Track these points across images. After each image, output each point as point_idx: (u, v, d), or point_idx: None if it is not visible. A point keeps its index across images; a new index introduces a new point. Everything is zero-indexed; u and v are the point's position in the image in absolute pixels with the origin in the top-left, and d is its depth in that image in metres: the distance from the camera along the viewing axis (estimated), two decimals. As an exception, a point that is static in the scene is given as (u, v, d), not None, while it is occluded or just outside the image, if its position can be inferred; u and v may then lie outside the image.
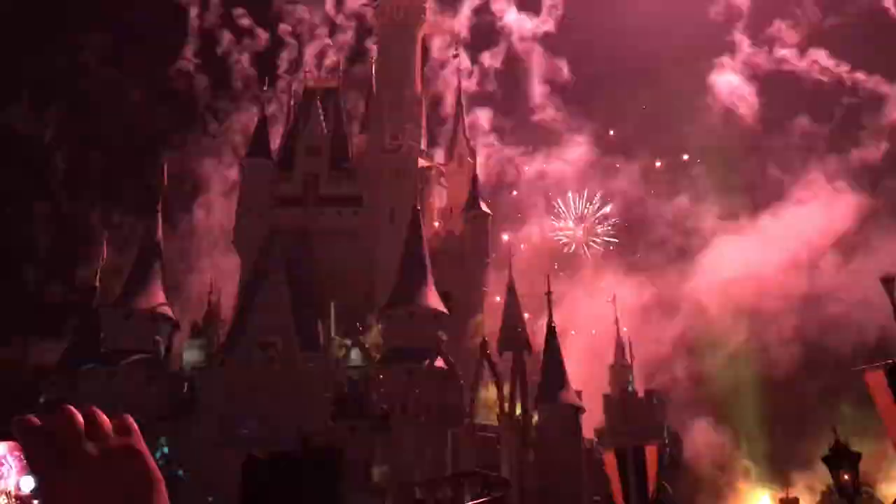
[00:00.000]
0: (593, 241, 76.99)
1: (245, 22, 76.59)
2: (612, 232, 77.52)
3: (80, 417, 1.08)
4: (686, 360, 69.50)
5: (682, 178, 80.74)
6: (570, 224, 77.40)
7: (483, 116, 75.69)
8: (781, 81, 77.62)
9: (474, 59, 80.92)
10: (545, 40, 79.50)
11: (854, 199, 70.60)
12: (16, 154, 78.03)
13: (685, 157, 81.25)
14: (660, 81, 75.40)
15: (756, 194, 75.96)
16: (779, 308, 67.38)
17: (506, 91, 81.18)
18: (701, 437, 64.67)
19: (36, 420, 1.07)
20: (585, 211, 77.68)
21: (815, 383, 63.15)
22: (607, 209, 77.60)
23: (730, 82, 77.68)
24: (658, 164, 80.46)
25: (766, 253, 69.24)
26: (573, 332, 58.91)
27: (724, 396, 67.14)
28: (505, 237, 67.38)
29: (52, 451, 1.05)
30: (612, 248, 76.87)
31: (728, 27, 79.39)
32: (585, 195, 77.91)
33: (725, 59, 78.67)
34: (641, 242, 76.75)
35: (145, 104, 79.32)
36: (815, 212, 70.46)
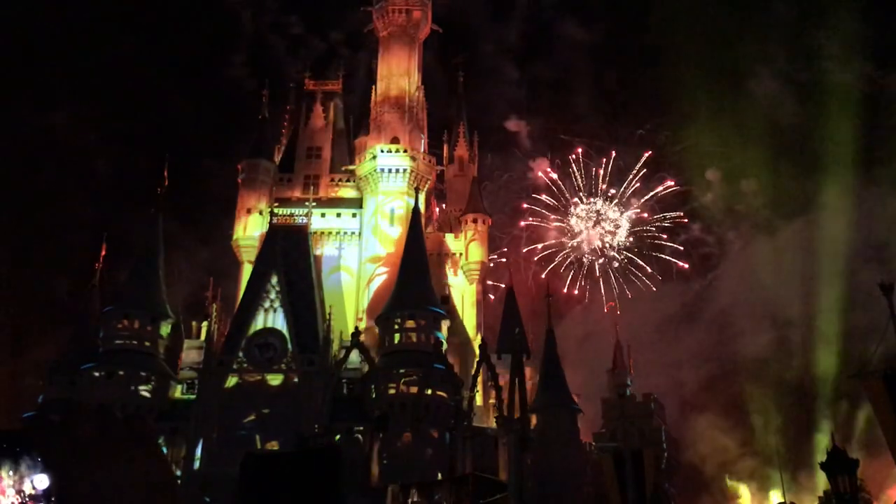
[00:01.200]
0: (613, 252, 76.72)
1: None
2: (631, 240, 77.26)
3: (94, 418, 1.12)
4: (701, 365, 69.72)
5: (714, 184, 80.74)
6: (584, 228, 77.28)
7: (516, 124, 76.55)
8: (819, 89, 77.64)
9: (523, 69, 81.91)
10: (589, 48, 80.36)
11: (891, 207, 70.25)
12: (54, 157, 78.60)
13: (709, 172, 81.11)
14: (698, 87, 75.68)
15: (790, 201, 75.94)
16: (805, 315, 67.36)
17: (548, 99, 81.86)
18: (707, 439, 64.86)
19: (53, 420, 1.12)
20: (604, 213, 77.45)
21: (828, 389, 63.22)
22: (628, 215, 77.27)
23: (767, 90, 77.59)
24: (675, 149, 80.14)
25: (796, 260, 69.20)
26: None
27: (735, 401, 67.34)
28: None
29: (69, 450, 1.09)
30: (626, 257, 76.70)
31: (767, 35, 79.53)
32: (600, 196, 77.80)
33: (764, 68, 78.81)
34: (667, 249, 76.74)
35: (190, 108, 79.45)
36: (851, 219, 70.23)
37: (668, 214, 77.18)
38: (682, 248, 76.86)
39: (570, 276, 77.44)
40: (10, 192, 75.02)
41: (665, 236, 76.53)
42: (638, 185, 77.72)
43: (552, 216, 78.59)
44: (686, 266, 76.79)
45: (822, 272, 67.87)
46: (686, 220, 77.55)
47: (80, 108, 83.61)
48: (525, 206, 79.85)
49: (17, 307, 66.52)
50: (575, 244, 77.58)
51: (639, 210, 77.57)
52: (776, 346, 70.25)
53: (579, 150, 79.21)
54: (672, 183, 76.98)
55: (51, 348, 51.12)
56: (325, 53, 73.93)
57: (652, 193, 76.97)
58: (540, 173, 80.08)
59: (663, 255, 76.62)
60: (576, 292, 77.28)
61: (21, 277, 71.72)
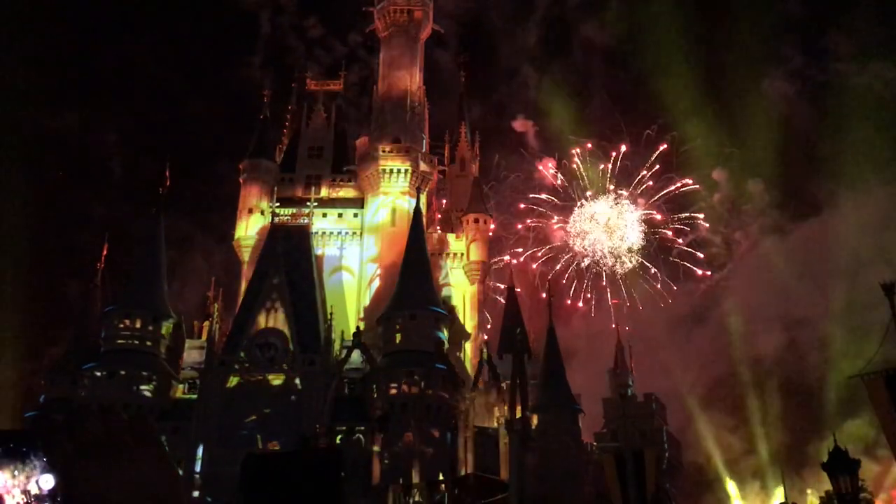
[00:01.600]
0: (622, 253, 76.29)
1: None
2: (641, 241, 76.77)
3: (100, 417, 1.13)
4: (708, 365, 69.68)
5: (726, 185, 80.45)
6: (591, 229, 76.86)
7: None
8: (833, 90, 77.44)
9: (544, 70, 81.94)
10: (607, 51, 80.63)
11: None
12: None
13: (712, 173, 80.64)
14: (710, 87, 75.52)
15: (801, 201, 75.65)
16: (814, 315, 67.17)
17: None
18: (712, 440, 64.89)
19: (58, 420, 1.13)
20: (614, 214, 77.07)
21: (840, 390, 63.14)
22: (637, 215, 76.86)
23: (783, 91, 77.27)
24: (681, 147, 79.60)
25: (806, 261, 69.00)
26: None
27: (742, 401, 67.31)
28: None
29: (74, 450, 1.10)
30: (638, 258, 76.35)
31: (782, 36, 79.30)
32: (608, 195, 77.44)
33: (778, 69, 78.60)
34: (679, 251, 76.48)
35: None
36: (864, 220, 70.00)
37: (681, 214, 76.78)
38: (701, 255, 76.35)
39: (576, 278, 77.20)
40: (28, 194, 75.04)
41: (680, 240, 76.24)
42: (649, 183, 77.42)
43: (559, 217, 78.37)
44: (708, 273, 76.30)
45: (832, 273, 67.72)
46: (707, 224, 77.04)
47: (94, 110, 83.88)
48: (531, 205, 79.58)
49: (29, 307, 66.56)
50: (584, 247, 77.17)
51: (652, 212, 77.25)
52: (784, 347, 70.19)
53: (588, 146, 78.93)
54: (690, 181, 76.52)
55: (63, 348, 51.06)
56: (347, 56, 73.86)
57: (668, 190, 76.41)
58: (541, 168, 79.84)
59: (674, 259, 76.39)
60: (581, 304, 76.87)
61: (34, 278, 71.74)
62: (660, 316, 74.02)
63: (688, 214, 76.43)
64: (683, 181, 76.37)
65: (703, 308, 76.28)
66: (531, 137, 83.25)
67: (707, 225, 77.32)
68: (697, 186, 76.46)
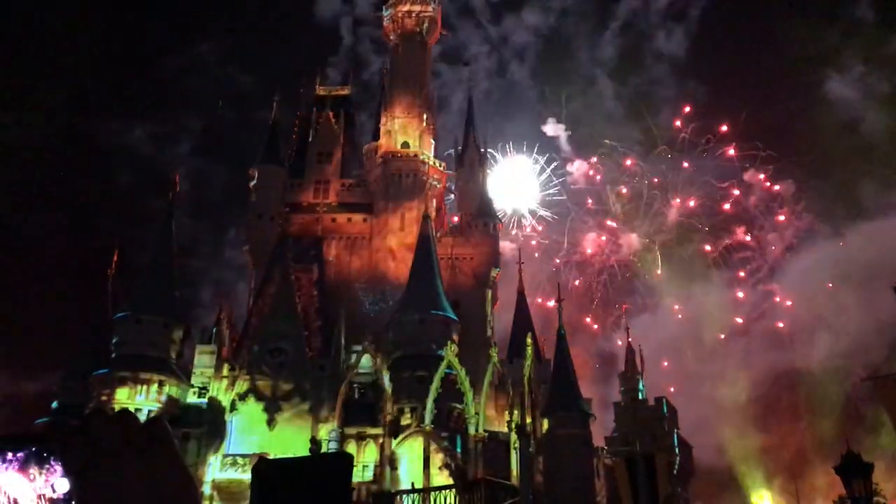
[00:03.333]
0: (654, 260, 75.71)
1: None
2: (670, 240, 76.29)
3: (115, 420, 1.13)
4: (741, 370, 69.21)
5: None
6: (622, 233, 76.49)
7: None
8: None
9: (621, 80, 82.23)
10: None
11: None
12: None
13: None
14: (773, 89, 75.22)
15: (853, 204, 75.21)
16: (859, 320, 66.53)
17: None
18: (734, 445, 64.56)
19: (73, 423, 1.13)
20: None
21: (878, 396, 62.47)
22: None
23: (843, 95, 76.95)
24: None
25: (858, 263, 68.45)
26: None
27: (771, 408, 66.92)
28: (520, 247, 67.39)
29: (89, 453, 1.10)
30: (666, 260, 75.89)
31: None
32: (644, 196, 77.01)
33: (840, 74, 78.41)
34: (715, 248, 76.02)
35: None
36: None
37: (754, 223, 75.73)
38: (742, 273, 75.71)
39: (606, 282, 76.81)
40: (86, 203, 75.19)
41: (709, 248, 75.70)
42: (696, 194, 76.96)
43: (591, 221, 78.10)
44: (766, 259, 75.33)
45: (879, 277, 66.94)
46: (782, 218, 75.79)
47: (159, 123, 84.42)
48: (561, 211, 79.36)
49: (37, 313, 66.82)
50: (615, 252, 76.82)
51: (696, 222, 76.76)
52: (825, 352, 69.38)
53: (624, 155, 78.73)
54: (774, 186, 75.68)
55: (74, 355, 51.16)
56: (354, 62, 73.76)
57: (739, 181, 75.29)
58: (573, 172, 79.66)
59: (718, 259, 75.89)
60: (623, 307, 76.32)
61: (44, 284, 72.02)
62: (687, 322, 73.72)
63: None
64: (772, 187, 75.71)
65: (740, 313, 75.58)
66: (563, 142, 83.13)
67: (782, 219, 76.10)
68: (777, 189, 75.50)
